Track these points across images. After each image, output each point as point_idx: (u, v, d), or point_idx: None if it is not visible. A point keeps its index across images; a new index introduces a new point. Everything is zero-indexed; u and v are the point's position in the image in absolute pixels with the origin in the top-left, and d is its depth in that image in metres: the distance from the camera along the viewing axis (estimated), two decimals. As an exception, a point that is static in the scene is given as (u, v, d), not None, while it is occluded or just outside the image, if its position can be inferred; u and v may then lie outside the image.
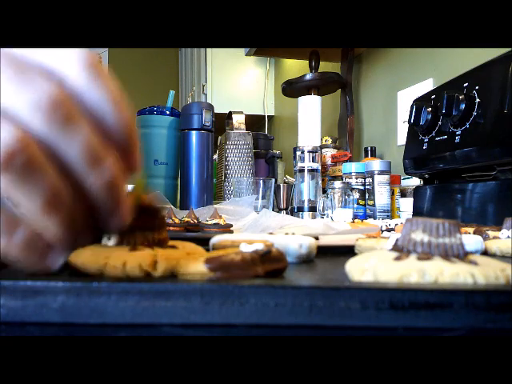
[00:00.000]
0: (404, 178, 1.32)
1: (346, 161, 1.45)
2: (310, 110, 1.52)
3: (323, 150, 1.59)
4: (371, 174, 1.24)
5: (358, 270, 0.29)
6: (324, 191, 1.34)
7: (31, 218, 0.23)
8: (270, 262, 0.30)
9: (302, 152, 1.30)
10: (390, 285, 0.27)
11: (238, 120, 1.48)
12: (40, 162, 0.22)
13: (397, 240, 0.31)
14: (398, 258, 0.28)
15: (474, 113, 0.79)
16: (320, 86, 1.60)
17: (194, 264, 0.27)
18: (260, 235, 0.40)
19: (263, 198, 1.13)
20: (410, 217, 1.05)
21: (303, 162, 1.30)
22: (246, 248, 0.30)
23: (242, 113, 1.52)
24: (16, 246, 0.24)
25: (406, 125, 1.10)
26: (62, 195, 0.23)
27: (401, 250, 0.30)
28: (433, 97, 0.94)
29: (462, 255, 0.29)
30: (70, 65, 0.23)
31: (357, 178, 1.27)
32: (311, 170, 1.29)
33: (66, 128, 0.22)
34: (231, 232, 0.72)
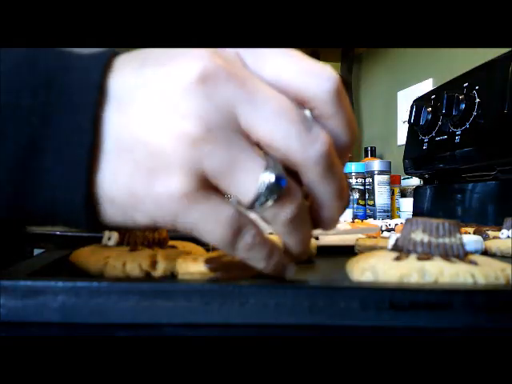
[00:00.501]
0: (404, 178, 1.33)
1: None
2: (310, 110, 1.51)
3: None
4: (371, 174, 1.24)
5: (358, 270, 0.29)
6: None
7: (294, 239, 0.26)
8: None
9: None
10: (390, 285, 0.27)
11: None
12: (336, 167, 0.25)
13: (397, 240, 0.31)
14: (397, 258, 0.28)
15: (474, 113, 0.79)
16: (320, 85, 1.59)
17: (194, 264, 0.27)
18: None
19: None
20: (410, 217, 1.05)
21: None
22: None
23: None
24: (271, 268, 0.26)
25: (406, 125, 1.10)
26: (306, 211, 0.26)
27: (401, 250, 0.30)
28: (433, 97, 0.94)
29: (462, 255, 0.29)
30: (322, 94, 0.24)
31: (357, 178, 1.27)
32: (311, 170, 1.29)
33: (331, 170, 0.25)
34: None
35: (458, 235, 0.29)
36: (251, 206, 0.24)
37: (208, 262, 0.27)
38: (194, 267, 0.27)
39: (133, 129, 0.22)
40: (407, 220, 0.30)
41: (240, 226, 0.24)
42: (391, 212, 1.24)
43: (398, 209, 1.26)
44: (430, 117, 0.91)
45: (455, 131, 0.84)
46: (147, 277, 0.27)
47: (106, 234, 0.30)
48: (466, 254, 0.29)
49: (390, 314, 0.24)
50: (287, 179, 0.24)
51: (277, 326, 0.24)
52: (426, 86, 1.37)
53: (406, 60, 1.53)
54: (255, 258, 0.25)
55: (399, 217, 1.21)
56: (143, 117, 0.22)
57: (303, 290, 0.24)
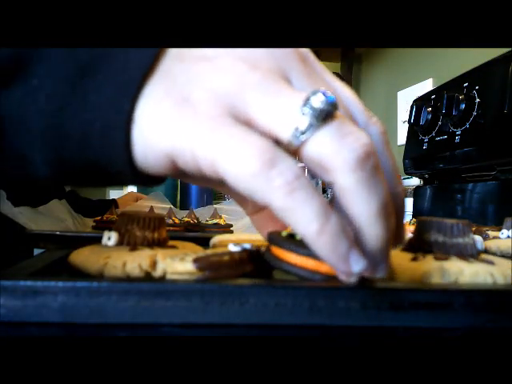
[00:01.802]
0: (404, 178, 1.32)
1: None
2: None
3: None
4: (371, 174, 1.24)
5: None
6: (324, 191, 1.34)
7: (363, 219, 0.23)
8: (258, 261, 0.30)
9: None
10: (390, 285, 0.27)
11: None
12: (380, 169, 0.23)
13: (410, 240, 0.31)
14: (415, 259, 0.28)
15: (474, 113, 0.79)
16: (320, 85, 1.59)
17: (182, 263, 0.27)
18: (260, 235, 0.40)
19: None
20: (410, 217, 1.05)
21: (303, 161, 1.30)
22: (235, 247, 0.31)
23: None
24: (328, 232, 0.22)
25: (406, 125, 1.10)
26: (390, 206, 0.23)
27: (415, 251, 0.30)
28: (433, 97, 0.94)
29: (476, 255, 0.29)
30: (376, 128, 0.27)
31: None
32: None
33: (373, 178, 0.22)
34: (231, 232, 0.72)
35: (471, 235, 0.29)
36: (296, 136, 0.21)
37: (196, 261, 0.27)
38: (181, 266, 0.27)
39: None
40: (419, 220, 0.30)
41: (274, 158, 0.21)
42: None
43: (398, 209, 1.25)
44: (429, 117, 0.91)
45: (455, 131, 0.84)
46: (147, 277, 0.27)
47: (106, 233, 0.30)
48: (479, 253, 0.29)
49: (390, 314, 0.24)
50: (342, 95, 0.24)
51: (277, 326, 0.24)
52: (426, 86, 1.37)
53: (406, 60, 1.53)
54: (302, 210, 0.21)
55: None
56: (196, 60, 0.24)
57: (303, 289, 0.24)
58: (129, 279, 0.26)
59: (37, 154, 0.24)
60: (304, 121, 0.21)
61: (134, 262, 0.27)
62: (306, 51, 0.27)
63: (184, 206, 1.22)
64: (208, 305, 0.24)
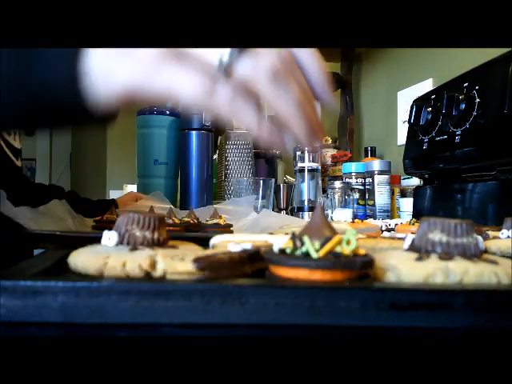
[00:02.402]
0: (404, 178, 1.33)
1: (346, 161, 1.45)
2: (310, 110, 1.51)
3: (323, 150, 1.59)
4: (371, 174, 1.24)
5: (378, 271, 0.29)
6: (324, 191, 1.34)
7: (282, 114, 0.34)
8: (258, 262, 0.30)
9: (302, 152, 1.30)
10: (390, 285, 0.27)
11: (238, 120, 1.48)
12: (291, 77, 0.33)
13: (413, 240, 0.31)
14: (419, 259, 0.28)
15: (474, 113, 0.79)
16: (320, 85, 1.59)
17: (182, 263, 0.27)
18: (260, 235, 0.40)
19: (263, 198, 1.12)
20: (410, 217, 1.05)
21: (303, 162, 1.30)
22: (235, 248, 0.31)
23: (242, 113, 1.51)
24: (263, 123, 0.33)
25: (406, 125, 1.10)
26: (304, 104, 0.34)
27: (418, 251, 0.30)
28: (433, 97, 0.94)
29: (479, 255, 0.29)
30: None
31: (357, 178, 1.27)
32: (311, 170, 1.29)
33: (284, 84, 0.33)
34: (231, 232, 0.72)
35: (474, 235, 0.29)
36: (222, 64, 0.31)
37: (196, 261, 0.27)
38: (181, 266, 0.27)
39: None
40: (423, 220, 0.30)
41: (216, 76, 0.31)
42: (391, 212, 1.24)
43: (398, 209, 1.26)
44: (429, 117, 0.91)
45: (455, 131, 0.84)
46: (147, 277, 0.27)
47: (106, 233, 0.30)
48: (481, 253, 0.29)
49: (390, 313, 0.24)
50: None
51: (277, 326, 0.24)
52: (426, 86, 1.37)
53: (406, 60, 1.53)
54: (242, 112, 0.33)
55: (399, 217, 1.21)
56: None
57: (303, 289, 0.24)
58: (129, 279, 0.26)
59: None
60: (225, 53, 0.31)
61: (134, 262, 0.27)
62: None
63: (184, 205, 1.22)
64: (208, 305, 0.24)
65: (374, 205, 1.23)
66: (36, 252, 0.52)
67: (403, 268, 0.28)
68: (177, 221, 0.72)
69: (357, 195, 1.26)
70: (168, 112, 1.30)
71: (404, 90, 1.51)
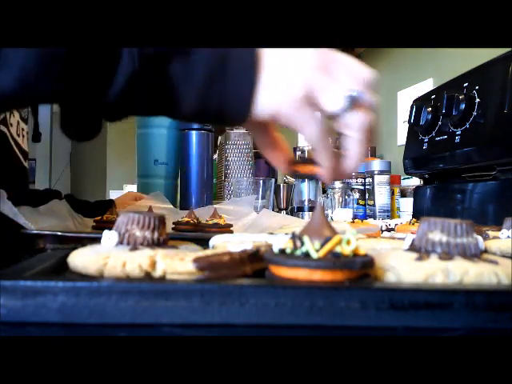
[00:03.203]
0: (404, 178, 1.33)
1: (346, 161, 1.45)
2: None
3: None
4: (371, 174, 1.24)
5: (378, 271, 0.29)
6: (324, 191, 1.34)
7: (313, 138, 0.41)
8: (258, 262, 0.30)
9: (302, 152, 1.30)
10: (390, 285, 0.27)
11: (238, 120, 1.48)
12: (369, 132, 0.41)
13: (413, 240, 0.31)
14: (419, 259, 0.28)
15: (474, 113, 0.79)
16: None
17: (182, 263, 0.27)
18: (260, 235, 0.40)
19: (263, 198, 1.12)
20: (410, 217, 1.05)
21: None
22: (235, 248, 0.31)
23: (242, 113, 1.51)
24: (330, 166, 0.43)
25: (406, 125, 1.10)
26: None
27: (418, 251, 0.30)
28: (433, 97, 0.94)
29: (479, 255, 0.29)
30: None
31: (357, 178, 1.27)
32: (311, 170, 1.29)
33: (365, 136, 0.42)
34: (231, 232, 0.72)
35: (474, 235, 0.29)
36: (340, 110, 0.39)
37: (196, 261, 0.27)
38: (181, 266, 0.27)
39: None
40: (423, 220, 0.30)
41: (325, 133, 0.40)
42: (391, 212, 1.24)
43: (398, 209, 1.26)
44: (429, 117, 0.91)
45: (455, 131, 0.84)
46: (147, 277, 0.27)
47: (106, 233, 0.30)
48: (481, 253, 0.29)
49: (390, 313, 0.24)
50: (365, 91, 0.40)
51: (277, 326, 0.24)
52: (426, 86, 1.37)
53: (406, 60, 1.53)
54: (327, 156, 0.42)
55: (399, 217, 1.21)
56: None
57: (303, 289, 0.24)
58: (129, 279, 0.26)
59: (187, 97, 0.38)
60: (344, 106, 0.39)
61: (134, 262, 0.27)
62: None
63: (184, 206, 1.22)
64: (208, 305, 0.24)
65: (373, 205, 1.23)
66: (36, 252, 0.52)
67: (403, 268, 0.28)
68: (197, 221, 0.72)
69: (357, 195, 1.26)
70: (168, 112, 1.30)
71: (404, 89, 1.51)
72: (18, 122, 0.72)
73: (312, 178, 0.47)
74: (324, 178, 0.44)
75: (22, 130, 0.75)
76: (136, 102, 0.38)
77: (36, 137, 0.81)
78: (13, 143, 0.71)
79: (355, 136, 0.41)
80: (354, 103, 0.39)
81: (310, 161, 0.45)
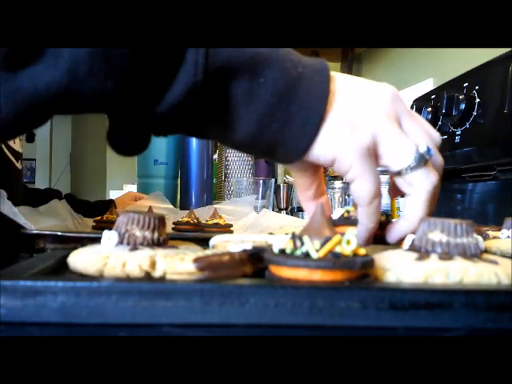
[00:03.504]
0: (404, 178, 1.32)
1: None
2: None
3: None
4: (371, 174, 1.24)
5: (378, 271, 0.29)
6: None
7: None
8: (258, 262, 0.30)
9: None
10: (390, 285, 0.27)
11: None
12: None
13: (413, 240, 0.31)
14: (419, 259, 0.28)
15: (474, 113, 0.79)
16: (320, 85, 1.59)
17: (182, 263, 0.27)
18: (260, 235, 0.40)
19: (263, 198, 1.12)
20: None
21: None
22: (235, 248, 0.31)
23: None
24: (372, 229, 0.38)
25: (406, 125, 1.09)
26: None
27: (418, 250, 0.30)
28: (433, 97, 0.94)
29: (479, 255, 0.29)
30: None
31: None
32: (311, 170, 1.29)
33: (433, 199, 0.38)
34: (231, 232, 0.72)
35: (474, 235, 0.29)
36: (407, 167, 0.36)
37: (196, 261, 0.27)
38: (181, 266, 0.27)
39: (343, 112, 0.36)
40: (423, 220, 0.31)
41: (379, 190, 0.36)
42: (391, 212, 1.24)
43: (398, 209, 1.26)
44: (430, 117, 0.91)
45: (455, 131, 0.84)
46: (147, 277, 0.27)
47: (106, 233, 0.30)
48: (481, 253, 0.29)
49: (390, 313, 0.24)
50: (434, 150, 0.38)
51: (277, 326, 0.24)
52: (426, 86, 1.37)
53: (406, 60, 1.53)
54: (374, 218, 0.37)
55: (399, 217, 1.21)
56: (352, 105, 0.36)
57: (303, 289, 0.24)
58: (129, 279, 0.26)
59: (246, 121, 0.35)
60: (413, 163, 0.35)
61: (134, 262, 0.27)
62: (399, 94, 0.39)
63: (184, 206, 1.22)
64: (208, 305, 0.24)
65: (373, 205, 1.23)
66: (36, 252, 0.52)
67: (403, 268, 0.28)
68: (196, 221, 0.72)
69: (357, 195, 1.26)
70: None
71: (404, 89, 1.51)
72: None
73: None
74: (360, 238, 0.37)
75: None
76: (189, 118, 0.35)
77: (30, 137, 0.81)
78: (3, 145, 0.70)
79: (419, 198, 0.36)
80: (422, 161, 0.35)
81: (350, 221, 0.39)
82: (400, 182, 0.37)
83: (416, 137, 0.37)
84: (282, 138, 0.35)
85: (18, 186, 0.80)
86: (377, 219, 0.37)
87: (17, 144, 0.76)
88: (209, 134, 0.38)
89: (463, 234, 0.29)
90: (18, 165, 0.77)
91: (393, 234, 0.38)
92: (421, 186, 0.36)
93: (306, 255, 0.26)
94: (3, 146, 0.71)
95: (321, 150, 0.35)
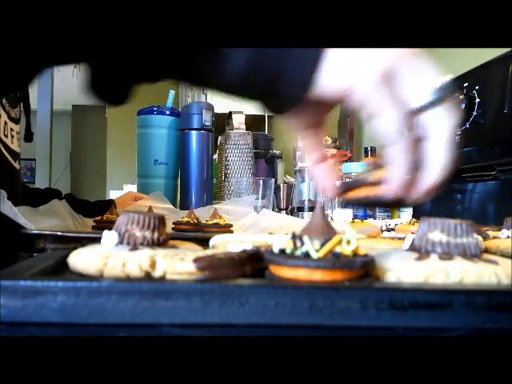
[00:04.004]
0: (404, 178, 1.32)
1: (346, 161, 1.45)
2: (310, 110, 1.51)
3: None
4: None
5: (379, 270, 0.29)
6: (324, 191, 1.34)
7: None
8: (258, 262, 0.30)
9: (302, 152, 1.30)
10: (390, 285, 0.27)
11: (238, 120, 1.48)
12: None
13: (413, 240, 0.31)
14: (419, 259, 0.28)
15: (474, 113, 0.79)
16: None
17: (182, 263, 0.27)
18: (260, 235, 0.40)
19: (263, 198, 1.12)
20: (410, 217, 1.05)
21: (303, 162, 1.30)
22: (235, 248, 0.31)
23: (242, 113, 1.51)
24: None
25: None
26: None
27: (418, 250, 0.30)
28: (433, 97, 0.94)
29: (479, 255, 0.29)
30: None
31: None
32: (311, 170, 1.29)
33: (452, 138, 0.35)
34: (231, 232, 0.72)
35: (474, 235, 0.29)
36: (426, 104, 0.33)
37: (196, 261, 0.27)
38: (181, 266, 0.27)
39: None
40: (423, 220, 0.30)
41: (405, 124, 0.32)
42: (391, 212, 1.24)
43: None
44: (429, 117, 0.91)
45: (455, 131, 0.84)
46: (147, 277, 0.27)
47: (106, 233, 0.30)
48: (481, 253, 0.29)
49: (390, 313, 0.24)
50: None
51: (277, 326, 0.24)
52: (425, 86, 1.37)
53: (406, 60, 1.53)
54: (404, 158, 0.33)
55: (399, 217, 1.21)
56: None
57: (303, 289, 0.24)
58: (129, 279, 0.26)
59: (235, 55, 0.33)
60: (433, 96, 0.33)
61: (134, 262, 0.27)
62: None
63: (184, 206, 1.22)
64: (208, 305, 0.24)
65: (373, 205, 1.23)
66: (36, 252, 0.52)
67: (403, 268, 0.28)
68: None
69: (357, 195, 1.26)
70: (168, 112, 1.31)
71: (404, 90, 1.51)
72: (6, 123, 0.72)
73: (373, 203, 0.39)
74: (391, 194, 0.34)
75: (11, 130, 0.74)
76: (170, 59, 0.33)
77: (28, 136, 0.80)
78: (0, 145, 0.70)
79: (441, 138, 0.33)
80: (441, 98, 0.33)
81: (363, 183, 0.37)
82: (418, 125, 0.33)
83: (432, 73, 0.35)
84: (282, 71, 0.32)
85: (17, 186, 0.79)
86: (407, 164, 0.33)
87: (14, 144, 0.76)
88: (202, 69, 0.35)
89: (463, 234, 0.29)
90: (16, 165, 0.77)
91: (418, 189, 0.34)
92: (441, 125, 0.33)
93: (306, 255, 0.26)
94: (0, 146, 0.70)
95: (330, 78, 0.32)
